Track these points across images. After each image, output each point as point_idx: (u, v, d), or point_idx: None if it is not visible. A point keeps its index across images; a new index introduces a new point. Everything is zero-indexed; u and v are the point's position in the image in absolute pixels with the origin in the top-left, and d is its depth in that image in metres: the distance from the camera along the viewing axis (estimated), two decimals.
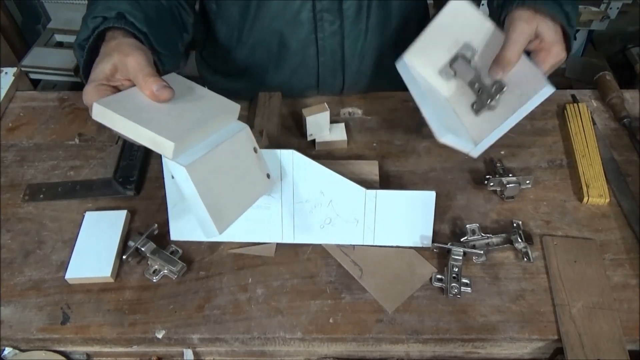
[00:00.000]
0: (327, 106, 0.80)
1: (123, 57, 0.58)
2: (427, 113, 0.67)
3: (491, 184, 0.74)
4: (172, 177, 0.61)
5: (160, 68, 0.67)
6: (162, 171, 0.68)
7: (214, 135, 0.60)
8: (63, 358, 0.67)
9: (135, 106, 0.55)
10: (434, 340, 0.63)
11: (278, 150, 0.67)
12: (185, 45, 0.79)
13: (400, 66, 0.76)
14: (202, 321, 0.64)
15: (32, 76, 1.48)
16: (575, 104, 0.84)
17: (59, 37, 1.55)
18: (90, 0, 0.69)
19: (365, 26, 0.83)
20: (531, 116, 0.85)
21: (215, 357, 0.69)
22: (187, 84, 0.64)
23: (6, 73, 0.94)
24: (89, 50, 0.63)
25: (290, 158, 0.67)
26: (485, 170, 0.79)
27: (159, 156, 0.67)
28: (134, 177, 0.77)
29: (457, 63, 0.73)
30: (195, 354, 0.67)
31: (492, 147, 0.81)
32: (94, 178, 0.79)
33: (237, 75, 0.92)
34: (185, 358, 0.67)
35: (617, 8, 1.51)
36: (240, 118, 0.64)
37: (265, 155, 0.66)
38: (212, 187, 0.57)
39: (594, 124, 0.82)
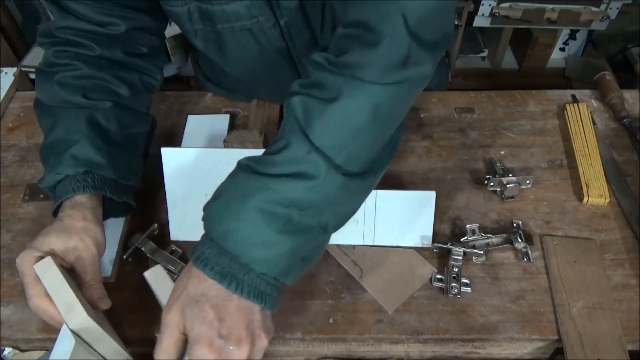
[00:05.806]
0: None
1: (83, 247, 0.58)
2: None
3: (491, 184, 0.74)
4: None
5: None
6: (162, 171, 0.68)
7: None
8: None
9: None
10: (433, 340, 0.63)
11: None
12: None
13: None
14: None
15: (32, 76, 1.48)
16: (575, 104, 0.84)
17: None
18: (50, 126, 0.65)
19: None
20: (531, 116, 0.86)
21: None
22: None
23: (6, 73, 0.94)
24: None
25: None
26: (485, 170, 0.79)
27: (159, 156, 0.67)
28: None
29: None
30: None
31: (492, 147, 0.81)
32: None
33: (231, 90, 0.91)
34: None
35: (617, 8, 1.50)
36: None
37: None
38: None
39: (594, 124, 0.82)
